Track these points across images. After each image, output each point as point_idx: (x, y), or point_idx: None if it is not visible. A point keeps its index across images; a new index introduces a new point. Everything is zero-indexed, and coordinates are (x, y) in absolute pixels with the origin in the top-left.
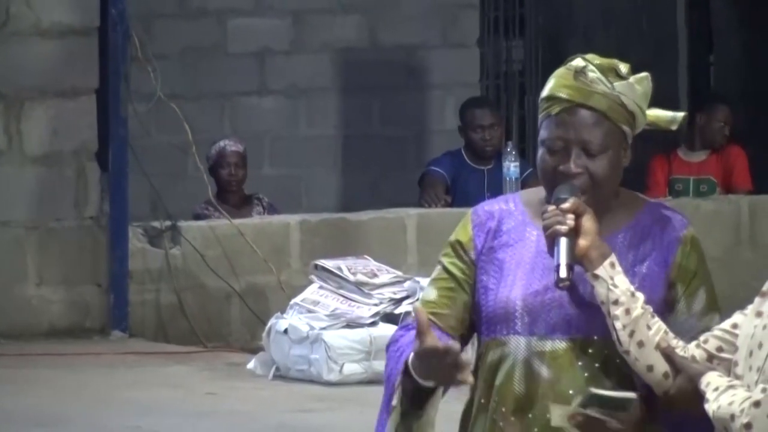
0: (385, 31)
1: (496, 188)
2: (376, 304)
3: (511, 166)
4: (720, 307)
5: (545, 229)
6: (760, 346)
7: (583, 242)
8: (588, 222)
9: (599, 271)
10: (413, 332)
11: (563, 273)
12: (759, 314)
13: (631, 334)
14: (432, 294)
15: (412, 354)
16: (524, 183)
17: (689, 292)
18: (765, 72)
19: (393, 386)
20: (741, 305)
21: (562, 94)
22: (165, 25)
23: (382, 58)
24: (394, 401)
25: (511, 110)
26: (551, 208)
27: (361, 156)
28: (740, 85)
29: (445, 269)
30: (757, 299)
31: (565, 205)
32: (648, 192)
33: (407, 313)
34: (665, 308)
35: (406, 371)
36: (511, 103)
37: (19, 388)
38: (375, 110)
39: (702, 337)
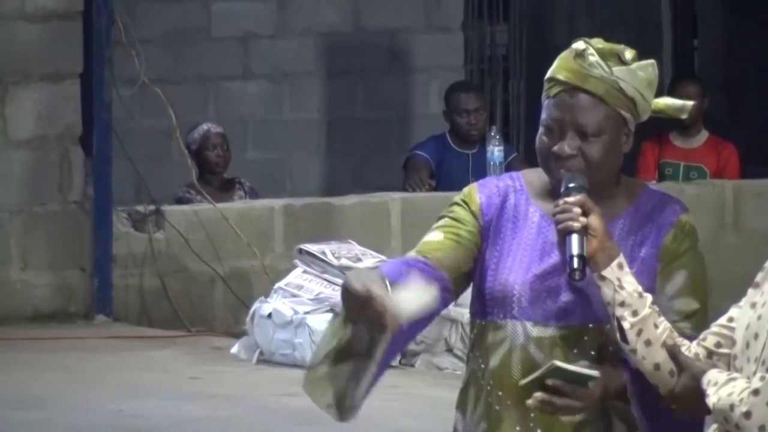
0: (368, 14)
1: (481, 172)
2: None
3: (495, 151)
4: (706, 297)
5: (557, 223)
6: (756, 336)
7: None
8: (595, 221)
9: (606, 273)
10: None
11: (576, 264)
12: (753, 305)
13: (639, 332)
14: (438, 236)
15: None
16: (508, 167)
17: (667, 272)
18: (748, 57)
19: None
20: (724, 289)
21: (561, 76)
22: (149, 9)
23: (366, 41)
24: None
25: (495, 94)
26: (561, 201)
27: (344, 140)
28: (724, 71)
29: (454, 218)
30: (750, 290)
31: (571, 199)
32: (638, 174)
33: None
34: None
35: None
36: (495, 88)
37: (2, 372)
38: (359, 94)
39: (701, 335)
